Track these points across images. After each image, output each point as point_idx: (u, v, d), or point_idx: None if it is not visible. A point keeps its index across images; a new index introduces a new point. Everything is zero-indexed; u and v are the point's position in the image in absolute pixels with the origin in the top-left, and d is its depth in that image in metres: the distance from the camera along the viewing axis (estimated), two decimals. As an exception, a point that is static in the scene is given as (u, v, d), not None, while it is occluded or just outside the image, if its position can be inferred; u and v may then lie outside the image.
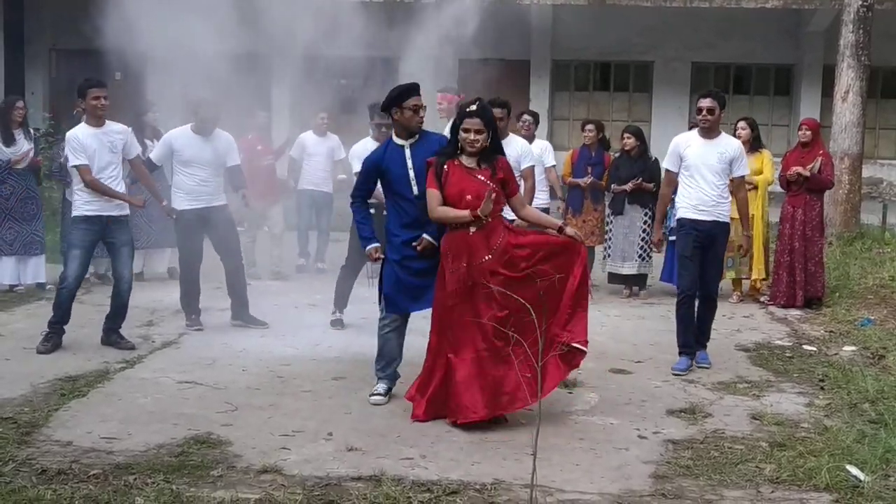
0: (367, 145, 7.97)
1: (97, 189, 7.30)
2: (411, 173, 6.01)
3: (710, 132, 7.14)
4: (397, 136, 6.14)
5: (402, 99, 6.04)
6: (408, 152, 6.06)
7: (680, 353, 7.18)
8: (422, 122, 6.19)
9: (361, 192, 6.25)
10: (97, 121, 7.40)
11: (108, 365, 6.89)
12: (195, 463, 4.95)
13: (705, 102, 7.08)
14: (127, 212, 7.57)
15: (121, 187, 7.50)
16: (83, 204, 7.35)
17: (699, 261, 7.16)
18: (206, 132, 8.04)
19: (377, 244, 6.20)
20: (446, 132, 8.77)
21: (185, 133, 8.06)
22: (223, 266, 8.24)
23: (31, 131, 9.87)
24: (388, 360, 6.22)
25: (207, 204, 8.01)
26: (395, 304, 6.10)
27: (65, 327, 7.40)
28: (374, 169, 6.13)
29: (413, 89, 6.07)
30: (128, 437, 5.36)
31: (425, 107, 6.19)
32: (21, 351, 7.28)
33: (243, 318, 8.24)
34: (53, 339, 7.31)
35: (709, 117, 7.06)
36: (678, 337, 7.22)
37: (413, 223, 6.00)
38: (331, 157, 11.14)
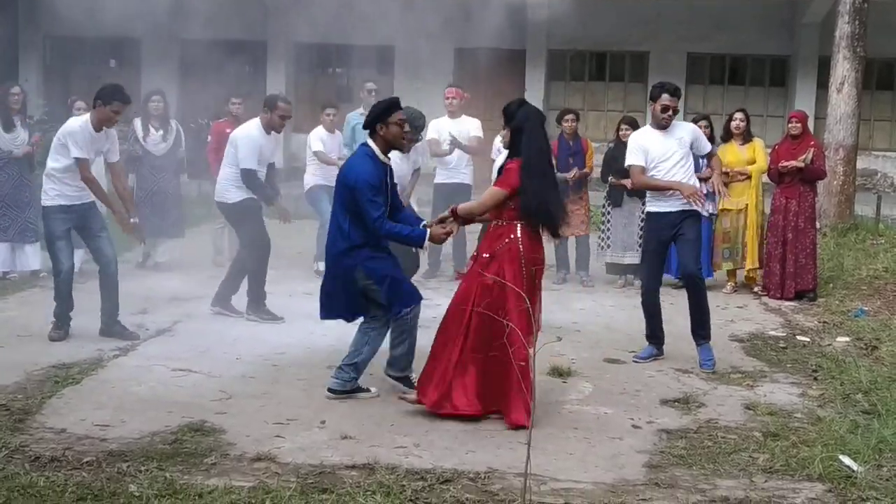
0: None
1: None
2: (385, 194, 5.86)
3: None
4: (383, 152, 5.91)
5: (388, 114, 5.87)
6: (388, 171, 5.94)
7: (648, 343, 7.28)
8: (405, 139, 6.04)
9: (382, 210, 5.80)
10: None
11: (102, 353, 6.89)
12: (189, 450, 4.96)
13: (673, 101, 6.99)
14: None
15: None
16: (63, 191, 7.24)
17: (665, 255, 7.27)
18: (278, 131, 8.14)
19: (425, 229, 5.84)
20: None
21: (260, 131, 7.99)
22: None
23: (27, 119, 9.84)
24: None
25: (256, 196, 8.12)
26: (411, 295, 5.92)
27: (70, 314, 7.36)
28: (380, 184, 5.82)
29: (396, 104, 5.95)
30: (121, 424, 5.36)
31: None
32: (14, 338, 7.26)
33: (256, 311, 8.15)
34: (64, 327, 7.32)
35: (671, 115, 7.00)
36: (646, 328, 7.28)
37: (371, 238, 5.82)
38: (339, 153, 10.77)
